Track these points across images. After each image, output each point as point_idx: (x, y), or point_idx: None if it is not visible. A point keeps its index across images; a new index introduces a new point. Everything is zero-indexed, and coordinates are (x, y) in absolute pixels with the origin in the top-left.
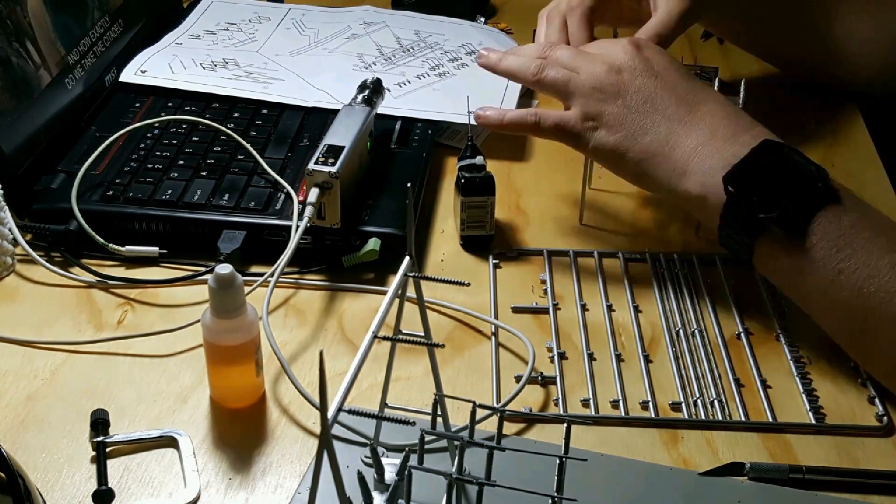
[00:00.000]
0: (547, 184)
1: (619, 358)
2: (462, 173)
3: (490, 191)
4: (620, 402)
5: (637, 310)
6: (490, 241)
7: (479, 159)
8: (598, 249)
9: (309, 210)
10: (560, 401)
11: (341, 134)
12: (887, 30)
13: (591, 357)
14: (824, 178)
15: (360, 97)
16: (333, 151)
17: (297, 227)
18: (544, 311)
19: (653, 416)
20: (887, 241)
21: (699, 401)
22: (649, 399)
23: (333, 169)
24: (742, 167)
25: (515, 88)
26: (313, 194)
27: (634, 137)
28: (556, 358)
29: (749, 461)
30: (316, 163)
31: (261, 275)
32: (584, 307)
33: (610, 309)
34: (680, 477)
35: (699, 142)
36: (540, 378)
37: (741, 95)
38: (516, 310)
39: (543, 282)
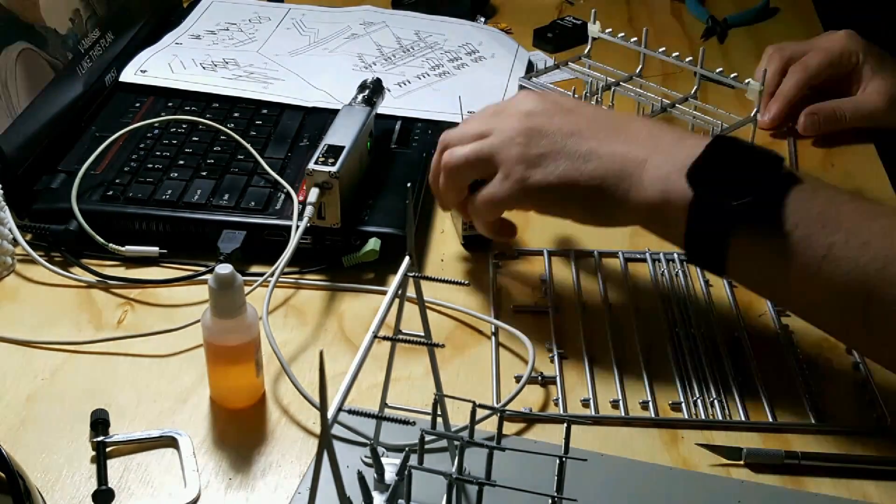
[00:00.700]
0: None
1: (619, 358)
2: None
3: None
4: (620, 402)
5: (637, 310)
6: (489, 241)
7: None
8: (598, 249)
9: (309, 210)
10: (560, 401)
11: (341, 134)
12: None
13: (591, 357)
14: (782, 162)
15: (360, 97)
16: (333, 151)
17: (297, 227)
18: (544, 311)
19: (653, 416)
20: (869, 209)
21: (699, 401)
22: (649, 399)
23: (333, 169)
24: (703, 164)
25: (515, 90)
26: (313, 194)
27: (578, 166)
28: (556, 358)
29: (745, 447)
30: (316, 163)
31: (261, 275)
32: (584, 307)
33: (610, 309)
34: (680, 477)
35: (645, 153)
36: (540, 378)
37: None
38: (516, 310)
39: (543, 282)
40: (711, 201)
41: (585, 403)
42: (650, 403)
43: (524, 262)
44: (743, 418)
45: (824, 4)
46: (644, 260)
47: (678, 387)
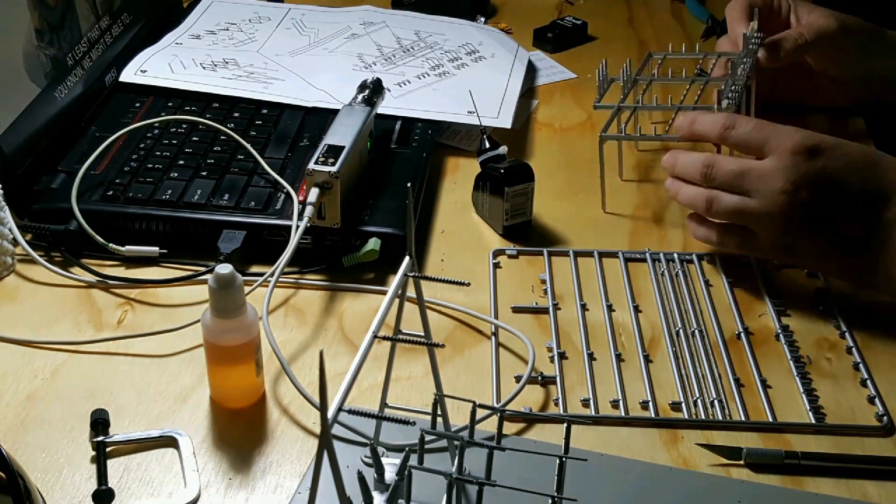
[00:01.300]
0: (547, 184)
1: (619, 358)
2: (495, 165)
3: (530, 176)
4: (620, 402)
5: (637, 310)
6: (529, 225)
7: (502, 149)
8: (597, 249)
9: (309, 210)
10: (560, 401)
11: (341, 134)
12: None
13: (591, 357)
14: None
15: (360, 97)
16: (333, 151)
17: (297, 227)
18: (544, 311)
19: (653, 416)
20: None
21: (699, 401)
22: (649, 399)
23: (333, 169)
24: None
25: (515, 90)
26: (313, 194)
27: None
28: (556, 358)
29: (745, 447)
30: (316, 163)
31: (261, 275)
32: (584, 307)
33: (610, 309)
34: (680, 477)
35: None
36: (540, 378)
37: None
38: (516, 310)
39: (543, 282)
40: None
41: (585, 403)
42: (650, 403)
43: (524, 262)
44: (743, 418)
45: (822, 4)
46: (644, 260)
47: (678, 387)
